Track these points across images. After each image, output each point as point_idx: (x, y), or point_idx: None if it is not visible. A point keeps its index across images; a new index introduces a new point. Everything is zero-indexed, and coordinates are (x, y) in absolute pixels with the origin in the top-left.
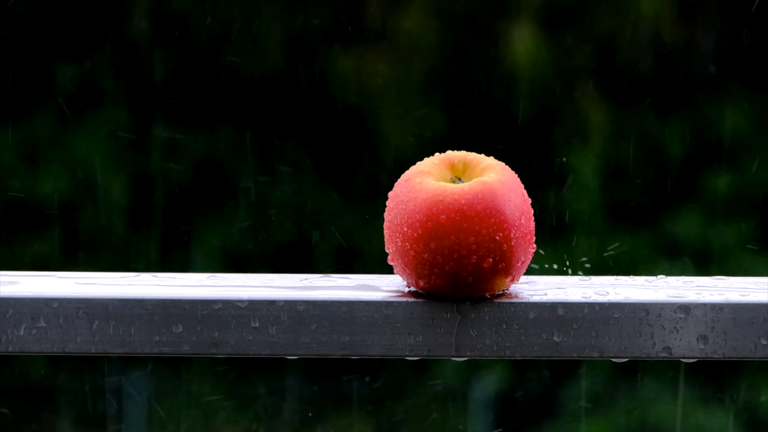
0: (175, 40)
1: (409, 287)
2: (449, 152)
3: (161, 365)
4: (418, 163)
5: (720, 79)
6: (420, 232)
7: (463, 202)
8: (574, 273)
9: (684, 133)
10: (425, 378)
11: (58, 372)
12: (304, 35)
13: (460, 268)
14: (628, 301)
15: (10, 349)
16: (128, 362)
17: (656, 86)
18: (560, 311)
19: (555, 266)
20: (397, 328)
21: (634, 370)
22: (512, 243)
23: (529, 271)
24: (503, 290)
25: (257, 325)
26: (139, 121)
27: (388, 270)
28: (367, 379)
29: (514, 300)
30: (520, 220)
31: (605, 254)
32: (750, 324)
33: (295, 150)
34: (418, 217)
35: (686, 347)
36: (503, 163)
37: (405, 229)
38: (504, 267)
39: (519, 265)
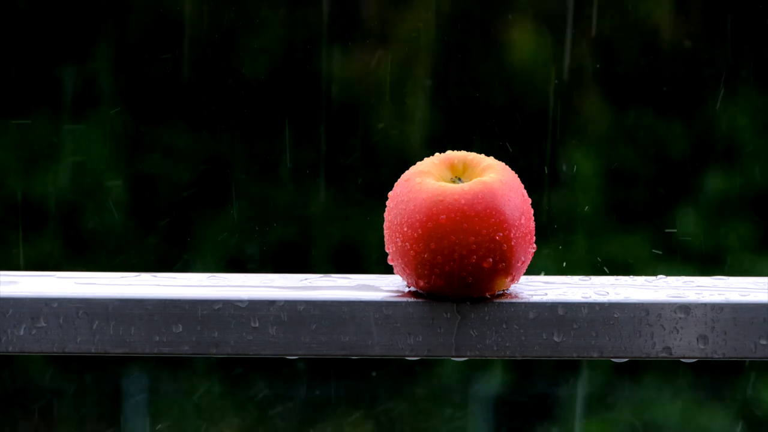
0: (175, 40)
1: (409, 287)
2: (449, 152)
3: (162, 365)
4: (418, 163)
5: (720, 79)
6: (420, 232)
7: (463, 202)
8: (574, 273)
9: (684, 133)
10: (425, 378)
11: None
12: (304, 35)
13: (460, 268)
14: (628, 301)
15: (10, 349)
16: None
17: (656, 86)
18: (560, 311)
19: (555, 266)
20: (397, 328)
21: (635, 370)
22: (512, 243)
23: (529, 271)
24: (503, 290)
25: (257, 325)
26: (139, 121)
27: (388, 270)
28: (367, 379)
29: (514, 300)
30: (520, 220)
31: (605, 254)
32: (750, 324)
33: (295, 150)
34: (418, 217)
35: (686, 347)
36: (503, 163)
37: (405, 229)
38: (504, 267)
39: (519, 265)
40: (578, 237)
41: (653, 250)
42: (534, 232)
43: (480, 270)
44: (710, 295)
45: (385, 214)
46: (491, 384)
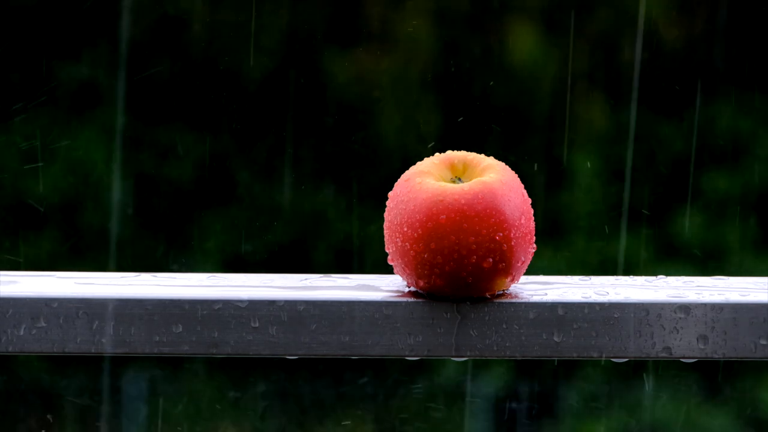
0: (175, 40)
1: (409, 287)
2: (449, 152)
3: (162, 365)
4: (418, 163)
5: (720, 79)
6: (420, 232)
7: (463, 202)
8: (574, 273)
9: (684, 133)
10: (425, 378)
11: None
12: (304, 35)
13: (460, 268)
14: (628, 301)
15: (10, 349)
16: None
17: (656, 86)
18: (560, 311)
19: (555, 266)
20: (397, 328)
21: (634, 370)
22: (512, 243)
23: (529, 271)
24: (503, 290)
25: (257, 325)
26: (139, 121)
27: (388, 270)
28: (367, 379)
29: (514, 300)
30: (520, 220)
31: (605, 254)
32: (750, 324)
33: (295, 150)
34: (418, 217)
35: (686, 347)
36: (503, 163)
37: (405, 229)
38: (504, 267)
39: (519, 265)
40: (578, 237)
41: (653, 250)
42: (534, 232)
43: (480, 270)
44: (710, 295)
45: (385, 214)
46: (491, 384)
